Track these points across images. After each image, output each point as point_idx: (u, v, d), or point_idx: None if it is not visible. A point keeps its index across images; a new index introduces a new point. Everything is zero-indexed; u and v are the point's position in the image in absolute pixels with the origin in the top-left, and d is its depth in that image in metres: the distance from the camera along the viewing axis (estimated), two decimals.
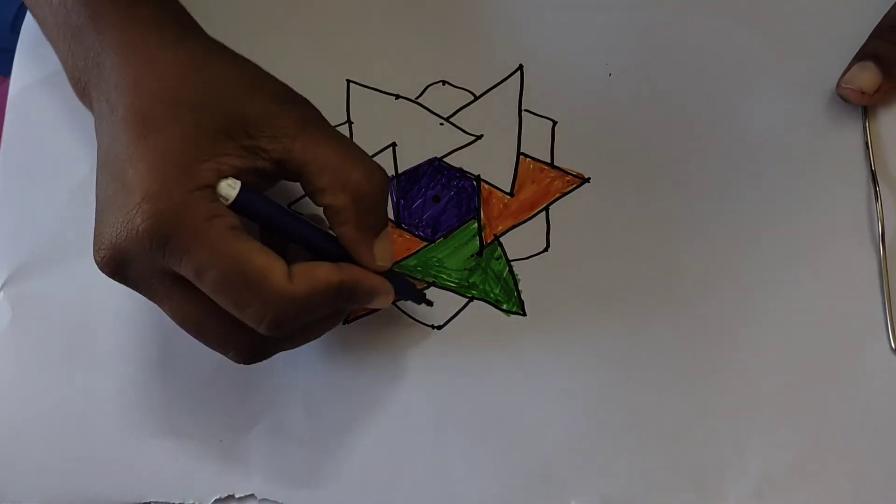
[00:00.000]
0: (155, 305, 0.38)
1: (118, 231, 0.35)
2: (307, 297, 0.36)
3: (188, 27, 0.40)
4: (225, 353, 0.38)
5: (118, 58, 0.38)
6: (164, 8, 0.40)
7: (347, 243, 0.39)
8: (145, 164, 0.35)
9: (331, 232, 0.39)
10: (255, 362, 0.39)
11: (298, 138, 0.37)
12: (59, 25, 0.40)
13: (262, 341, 0.38)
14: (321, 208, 0.39)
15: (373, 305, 0.40)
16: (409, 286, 0.44)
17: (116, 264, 0.36)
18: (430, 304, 0.45)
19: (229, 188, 0.36)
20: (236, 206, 0.36)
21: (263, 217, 0.37)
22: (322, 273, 0.37)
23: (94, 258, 0.36)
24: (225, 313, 0.36)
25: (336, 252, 0.39)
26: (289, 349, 0.40)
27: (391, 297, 0.40)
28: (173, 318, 0.37)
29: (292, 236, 0.38)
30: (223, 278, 0.35)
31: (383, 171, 0.39)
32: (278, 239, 0.39)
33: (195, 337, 0.38)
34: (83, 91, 0.40)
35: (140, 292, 0.37)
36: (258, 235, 0.38)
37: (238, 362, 0.39)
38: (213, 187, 0.36)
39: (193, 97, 0.37)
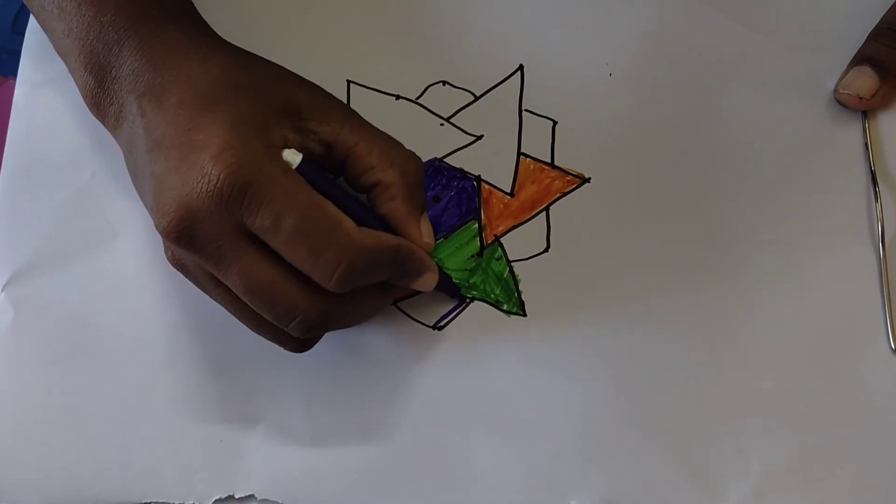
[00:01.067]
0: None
1: (191, 188, 0.35)
2: (374, 250, 0.37)
3: (223, 40, 0.43)
4: (288, 324, 0.38)
5: (169, 60, 0.39)
6: (201, 22, 0.43)
7: (396, 218, 0.40)
8: (217, 125, 0.36)
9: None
10: (309, 343, 0.41)
11: (346, 124, 0.40)
12: (83, 39, 0.41)
13: (325, 309, 0.38)
14: (364, 194, 0.40)
15: (419, 284, 0.41)
16: (447, 278, 0.44)
17: (186, 225, 0.36)
18: (463, 300, 0.45)
19: (293, 155, 0.37)
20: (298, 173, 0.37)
21: (321, 188, 0.38)
22: (383, 234, 0.38)
23: (158, 225, 0.36)
24: (294, 276, 0.37)
25: (385, 230, 0.40)
26: (339, 328, 0.41)
27: (436, 278, 0.41)
28: (240, 283, 0.37)
29: (346, 210, 0.38)
30: (302, 223, 0.35)
31: (417, 155, 0.41)
32: None
33: (260, 306, 0.37)
34: (109, 100, 0.41)
35: (206, 257, 0.37)
36: None
37: (295, 336, 0.39)
38: (280, 150, 0.37)
39: (250, 83, 0.38)
